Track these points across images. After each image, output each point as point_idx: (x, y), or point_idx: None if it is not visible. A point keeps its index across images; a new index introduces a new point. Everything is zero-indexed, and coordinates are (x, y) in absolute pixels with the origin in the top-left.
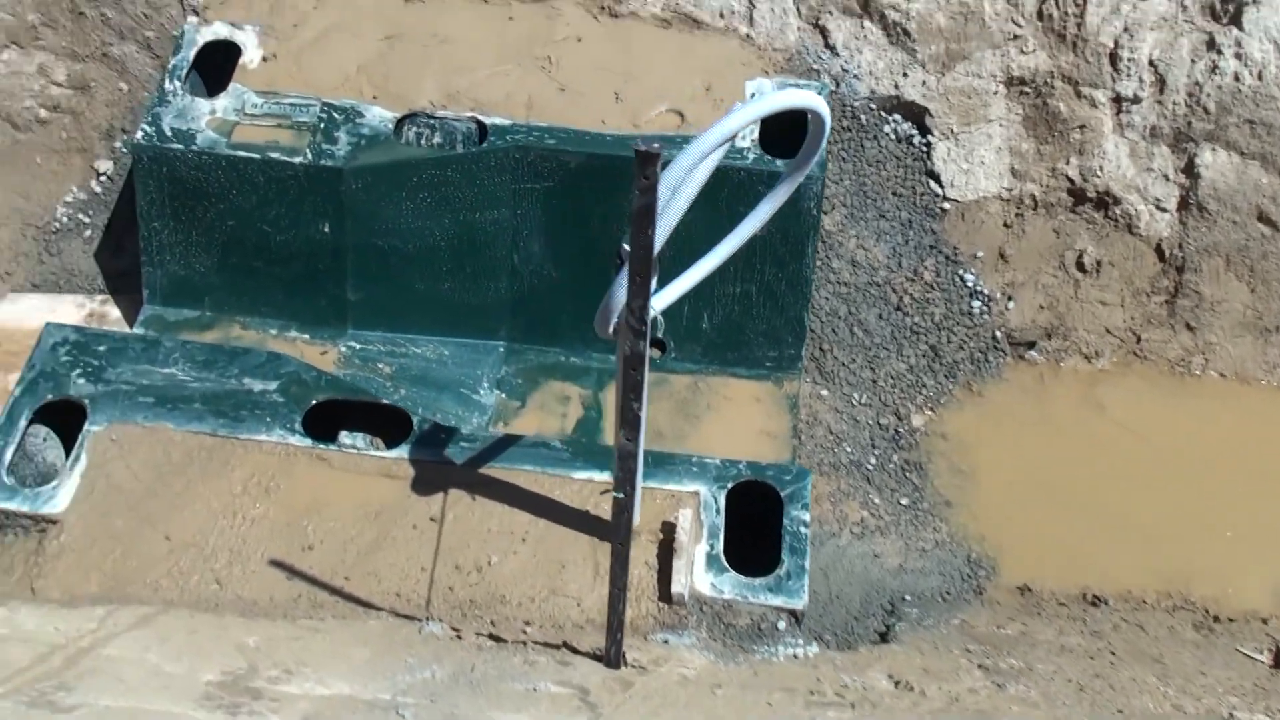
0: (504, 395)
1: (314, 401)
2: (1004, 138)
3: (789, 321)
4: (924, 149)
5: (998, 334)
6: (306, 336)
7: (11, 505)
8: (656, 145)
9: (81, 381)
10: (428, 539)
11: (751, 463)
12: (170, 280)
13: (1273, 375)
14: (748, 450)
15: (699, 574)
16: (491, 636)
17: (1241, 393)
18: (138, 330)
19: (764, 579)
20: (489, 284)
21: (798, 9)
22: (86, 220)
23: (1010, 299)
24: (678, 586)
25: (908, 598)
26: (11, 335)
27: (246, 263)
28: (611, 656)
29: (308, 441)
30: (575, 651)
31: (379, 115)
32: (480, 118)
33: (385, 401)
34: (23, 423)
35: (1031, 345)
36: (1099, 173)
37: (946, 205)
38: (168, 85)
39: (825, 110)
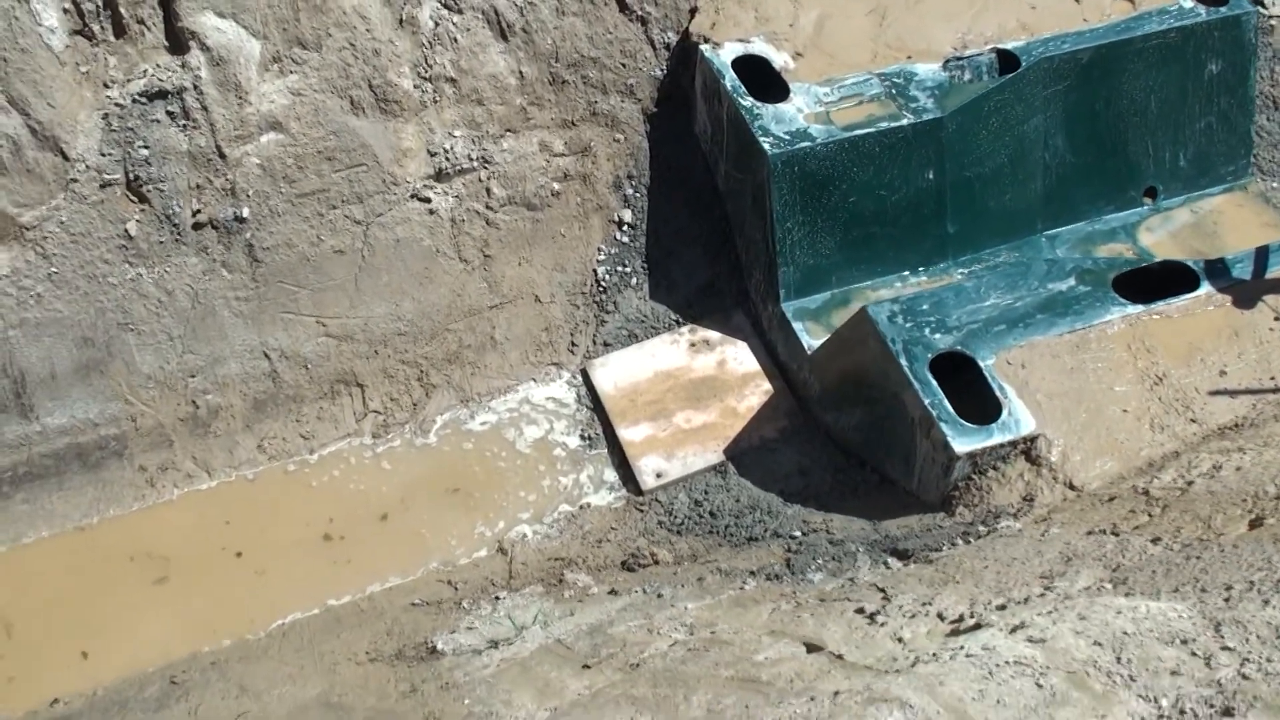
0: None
1: (1114, 275)
2: None
3: (1240, 137)
4: None
5: None
6: (924, 278)
7: (995, 440)
8: None
9: (938, 335)
10: None
11: None
12: (802, 273)
13: None
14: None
15: None
16: None
17: None
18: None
19: None
20: (1030, 185)
21: None
22: (626, 269)
23: None
24: None
25: None
26: (636, 389)
27: (865, 231)
28: None
29: (1138, 308)
30: None
31: (927, 69)
32: (998, 46)
33: (1159, 260)
34: (933, 381)
35: None
36: None
37: None
38: (744, 103)
39: None
